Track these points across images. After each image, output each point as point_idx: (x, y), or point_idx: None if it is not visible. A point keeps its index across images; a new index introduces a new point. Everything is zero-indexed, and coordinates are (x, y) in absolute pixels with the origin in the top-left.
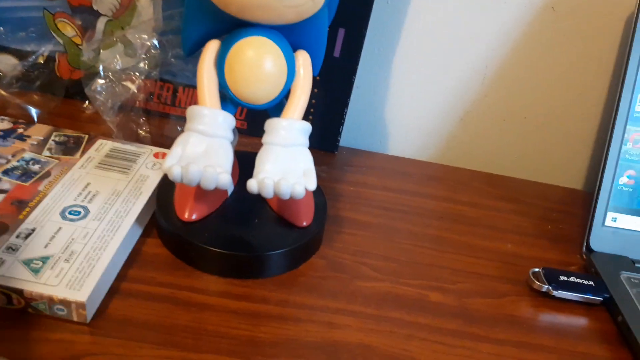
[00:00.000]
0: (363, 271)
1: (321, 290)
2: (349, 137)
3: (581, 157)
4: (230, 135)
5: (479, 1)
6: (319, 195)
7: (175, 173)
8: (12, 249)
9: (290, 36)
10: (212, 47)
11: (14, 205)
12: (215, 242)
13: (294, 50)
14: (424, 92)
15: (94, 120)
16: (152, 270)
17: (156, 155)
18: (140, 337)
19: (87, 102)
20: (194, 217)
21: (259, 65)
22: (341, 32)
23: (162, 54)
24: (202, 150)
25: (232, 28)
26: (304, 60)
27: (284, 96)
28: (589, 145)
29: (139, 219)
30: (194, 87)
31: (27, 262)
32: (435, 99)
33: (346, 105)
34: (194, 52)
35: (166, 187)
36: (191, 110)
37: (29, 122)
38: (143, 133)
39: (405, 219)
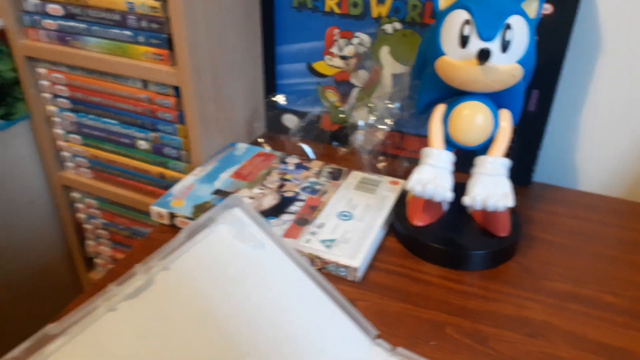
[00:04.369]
0: (549, 275)
1: (514, 283)
2: (543, 173)
3: None
4: (450, 167)
5: None
6: (515, 216)
7: (418, 190)
8: (313, 233)
9: (496, 99)
10: (440, 108)
11: (310, 209)
12: (436, 241)
13: (499, 108)
14: (612, 133)
15: (346, 159)
16: (393, 257)
17: (391, 183)
18: (388, 294)
19: (338, 145)
20: (421, 223)
21: (472, 120)
22: (535, 93)
23: (399, 113)
24: (432, 177)
25: (454, 94)
26: (505, 116)
27: (490, 141)
28: None
29: (383, 224)
30: (416, 135)
31: (322, 242)
32: (624, 140)
33: (539, 147)
34: (425, 112)
35: (400, 203)
36: (425, 150)
37: (309, 159)
38: (381, 167)
39: (588, 241)
